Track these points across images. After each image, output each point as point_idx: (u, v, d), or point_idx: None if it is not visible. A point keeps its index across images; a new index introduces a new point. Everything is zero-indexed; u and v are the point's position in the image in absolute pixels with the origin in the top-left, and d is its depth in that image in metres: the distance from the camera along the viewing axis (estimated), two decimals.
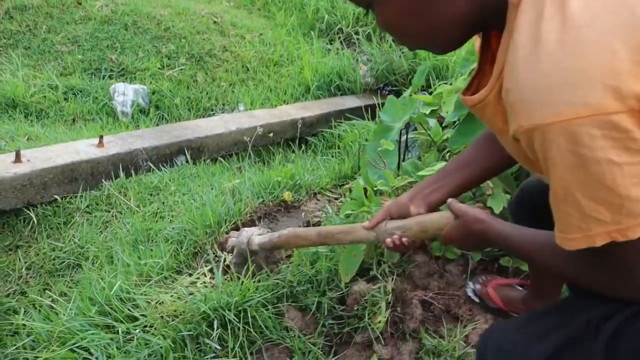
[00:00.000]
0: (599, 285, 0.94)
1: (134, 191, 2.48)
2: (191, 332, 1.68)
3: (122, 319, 1.69)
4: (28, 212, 2.32)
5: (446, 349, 1.86)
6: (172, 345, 1.64)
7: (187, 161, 2.85)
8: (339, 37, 4.78)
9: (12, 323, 1.86)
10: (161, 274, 1.91)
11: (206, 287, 1.90)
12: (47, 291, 2.01)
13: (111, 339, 1.62)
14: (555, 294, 1.98)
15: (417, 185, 1.46)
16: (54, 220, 2.35)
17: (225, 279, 1.93)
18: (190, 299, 1.74)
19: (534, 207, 1.52)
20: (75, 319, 1.67)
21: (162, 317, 1.71)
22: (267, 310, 1.79)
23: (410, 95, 3.02)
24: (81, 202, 2.42)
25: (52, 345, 1.64)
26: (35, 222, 2.31)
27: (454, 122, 2.64)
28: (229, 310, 1.73)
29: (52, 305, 1.84)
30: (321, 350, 1.82)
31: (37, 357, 1.64)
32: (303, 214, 2.57)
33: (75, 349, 1.59)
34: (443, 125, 2.78)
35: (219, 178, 2.69)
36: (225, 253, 2.08)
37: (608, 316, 0.95)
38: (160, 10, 4.69)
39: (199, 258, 2.08)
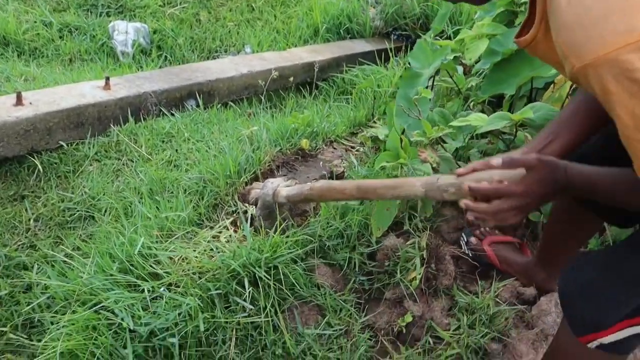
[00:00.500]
0: None
1: (144, 137, 2.28)
2: (220, 291, 1.55)
3: (145, 276, 1.55)
4: (32, 159, 2.13)
5: (480, 306, 1.76)
6: (201, 305, 1.51)
7: (197, 105, 2.64)
8: None
9: (24, 279, 1.71)
10: (183, 228, 1.75)
11: (229, 241, 1.75)
12: (59, 245, 1.84)
13: (135, 299, 1.48)
14: (562, 264, 1.88)
15: (530, 142, 1.30)
16: (61, 168, 2.15)
17: (252, 234, 1.78)
18: (219, 255, 1.59)
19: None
20: (96, 277, 1.52)
21: (187, 274, 1.57)
22: (297, 266, 1.66)
23: (432, 40, 2.82)
24: (89, 149, 2.22)
25: (72, 305, 1.50)
26: (41, 170, 2.12)
27: (479, 71, 2.46)
28: (259, 267, 1.59)
29: (67, 260, 1.68)
30: (353, 308, 1.71)
31: (54, 317, 1.50)
32: (321, 163, 2.41)
33: (97, 309, 1.45)
34: (469, 73, 2.60)
35: (233, 124, 2.50)
36: (247, 205, 1.92)
37: None
38: None
39: (220, 210, 1.92)
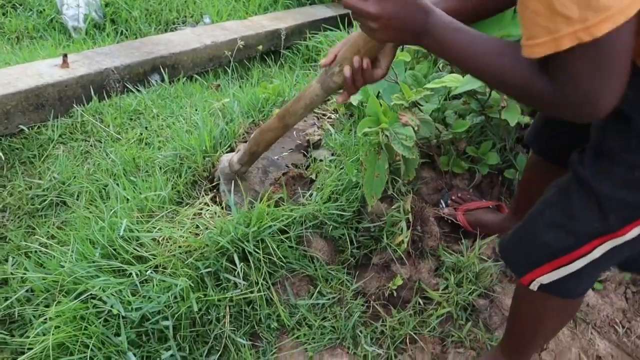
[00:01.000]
0: (553, 101, 0.86)
1: (111, 116, 2.16)
2: (210, 269, 1.49)
3: (131, 260, 1.47)
4: None
5: (465, 264, 1.76)
6: (192, 285, 1.45)
7: (162, 80, 2.52)
8: None
9: None
10: (163, 207, 1.67)
11: (213, 218, 1.69)
12: (32, 235, 1.73)
13: (123, 284, 1.41)
14: None
15: None
16: (25, 153, 2.01)
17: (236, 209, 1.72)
18: (206, 233, 1.52)
19: (555, 134, 1.41)
20: (78, 265, 1.44)
21: (174, 255, 1.50)
22: (285, 238, 1.61)
23: None
24: (53, 131, 2.08)
25: (55, 297, 1.41)
26: (2, 157, 1.98)
27: None
28: (248, 241, 1.54)
29: (43, 250, 1.58)
30: (344, 276, 1.68)
31: (36, 310, 1.42)
32: (295, 132, 2.35)
33: (84, 299, 1.37)
34: None
35: (201, 97, 2.40)
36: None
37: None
38: None
39: (199, 187, 1.85)
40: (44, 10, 3.36)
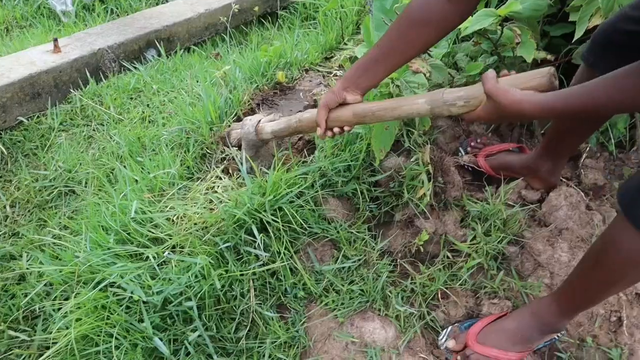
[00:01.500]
0: None
1: (110, 98, 2.07)
2: (229, 243, 1.42)
3: (146, 243, 1.41)
4: None
5: (492, 212, 1.68)
6: (212, 262, 1.39)
7: (159, 55, 2.41)
8: None
9: (14, 270, 1.55)
10: (174, 185, 1.60)
11: (227, 190, 1.62)
12: (44, 228, 1.67)
13: (141, 268, 1.35)
14: (570, 153, 1.80)
15: (347, 74, 1.33)
16: (27, 145, 1.94)
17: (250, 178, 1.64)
18: (221, 206, 1.45)
19: (617, 44, 1.28)
20: (93, 254, 1.38)
21: (191, 233, 1.43)
22: (304, 203, 1.54)
23: None
24: (53, 119, 2.01)
25: (74, 288, 1.36)
26: (4, 152, 1.91)
27: None
28: (265, 211, 1.46)
29: (57, 242, 1.53)
30: (367, 236, 1.61)
31: (55, 304, 1.37)
32: (301, 93, 2.25)
33: (103, 287, 1.31)
34: None
35: (201, 68, 2.29)
36: (231, 149, 1.77)
37: None
38: None
39: (208, 160, 1.77)
40: None
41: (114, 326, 1.26)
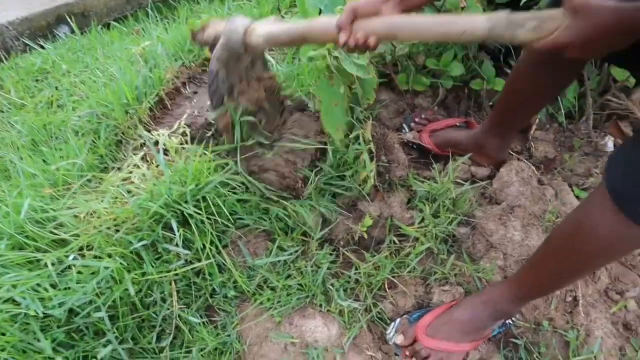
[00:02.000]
0: None
1: (11, 80, 1.82)
2: (145, 241, 1.24)
3: (48, 246, 1.21)
4: None
5: (440, 192, 1.55)
6: (125, 264, 1.20)
7: (72, 31, 2.16)
8: None
9: None
10: (82, 177, 1.39)
11: (146, 180, 1.43)
12: None
13: (40, 277, 1.15)
14: (519, 127, 1.70)
15: None
16: None
17: (168, 163, 1.45)
18: (133, 200, 1.26)
19: None
20: None
21: (100, 232, 1.24)
22: (233, 192, 1.37)
23: None
24: None
25: None
26: None
27: None
28: (186, 202, 1.29)
29: None
30: (304, 225, 1.45)
31: None
32: None
33: None
34: None
35: (120, 45, 2.06)
36: (159, 133, 1.57)
37: None
38: None
39: (125, 146, 1.57)
40: None
41: (4, 349, 1.06)
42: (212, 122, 1.56)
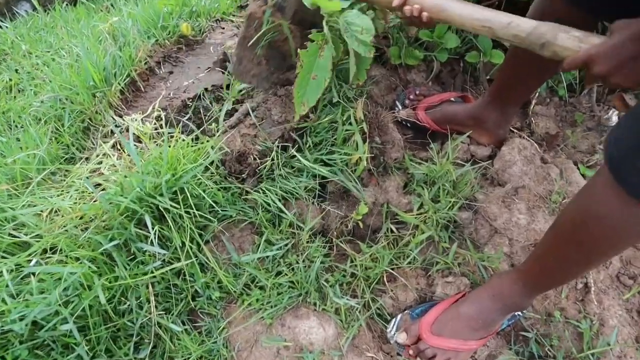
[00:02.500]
0: None
1: None
2: (117, 241, 1.09)
3: (3, 252, 1.06)
4: None
5: (439, 174, 1.42)
6: (95, 268, 1.06)
7: (34, 9, 1.97)
8: None
9: None
10: (44, 169, 1.24)
11: (118, 171, 1.27)
12: None
13: None
14: (521, 101, 1.56)
15: None
16: None
17: (140, 151, 1.30)
18: (101, 195, 1.11)
19: None
20: None
21: (65, 232, 1.09)
22: (213, 181, 1.22)
23: None
24: None
25: None
26: None
27: None
28: (161, 195, 1.14)
29: None
30: (295, 216, 1.32)
31: None
32: (212, 48, 1.89)
33: None
34: None
35: (88, 24, 1.88)
36: (131, 118, 1.41)
37: None
38: None
39: (93, 134, 1.41)
40: None
41: None
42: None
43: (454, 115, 1.56)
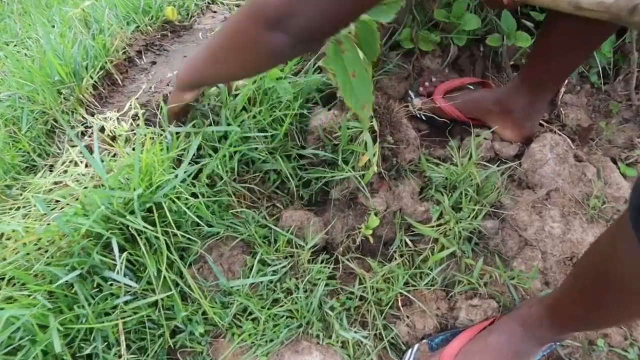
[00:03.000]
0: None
1: None
2: (77, 272, 0.90)
3: None
4: None
5: (461, 177, 1.21)
6: (51, 306, 0.86)
7: None
8: None
9: None
10: None
11: (85, 182, 1.07)
12: None
13: None
14: (556, 84, 1.35)
15: None
16: None
17: (112, 158, 1.11)
18: (56, 216, 0.91)
19: None
20: None
21: (16, 260, 0.90)
22: (196, 191, 1.02)
23: None
24: None
25: None
26: None
27: None
28: (132, 213, 0.94)
29: None
30: (292, 233, 1.12)
31: None
32: (201, 34, 1.68)
33: None
34: None
35: (60, 10, 1.67)
36: (105, 117, 1.21)
37: None
38: None
39: (59, 136, 1.21)
40: None
41: None
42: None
43: (478, 102, 1.35)
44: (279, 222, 1.09)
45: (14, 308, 0.82)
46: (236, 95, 1.16)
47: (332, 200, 1.19)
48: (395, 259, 1.14)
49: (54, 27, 1.51)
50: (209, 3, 1.87)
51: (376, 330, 1.05)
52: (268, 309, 1.01)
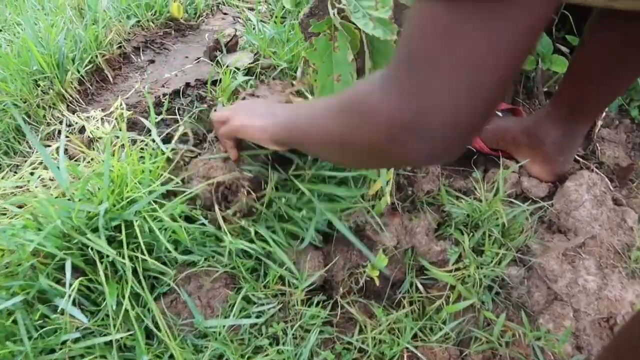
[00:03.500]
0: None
1: None
2: (23, 296, 0.73)
3: None
4: None
5: (486, 216, 1.04)
6: None
7: None
8: None
9: None
10: None
11: (51, 188, 0.91)
12: None
13: None
14: (592, 115, 1.18)
15: None
16: None
17: (88, 164, 0.95)
18: (3, 228, 0.75)
19: None
20: None
21: None
22: (171, 208, 0.85)
23: None
24: None
25: None
26: None
27: None
28: (95, 231, 0.77)
29: None
30: (285, 268, 0.94)
31: None
32: (207, 35, 1.53)
33: None
34: None
35: None
36: (87, 116, 1.05)
37: None
38: None
39: (32, 134, 1.05)
40: None
41: None
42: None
43: (504, 131, 1.18)
44: (271, 254, 0.92)
45: None
46: None
47: (334, 235, 1.02)
48: (404, 306, 0.96)
49: (46, 15, 1.37)
50: (219, 3, 1.72)
51: None
52: (249, 357, 0.83)
